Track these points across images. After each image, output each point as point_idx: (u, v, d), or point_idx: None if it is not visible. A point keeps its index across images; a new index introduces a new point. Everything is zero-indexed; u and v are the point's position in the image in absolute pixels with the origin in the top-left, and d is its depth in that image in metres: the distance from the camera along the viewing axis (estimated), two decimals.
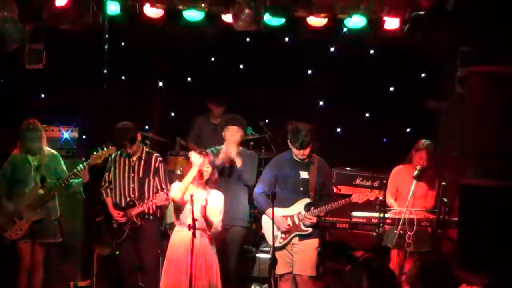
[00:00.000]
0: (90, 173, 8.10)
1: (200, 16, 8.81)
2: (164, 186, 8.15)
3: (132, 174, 8.17)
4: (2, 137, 8.79)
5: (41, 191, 8.05)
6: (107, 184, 8.21)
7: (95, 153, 8.02)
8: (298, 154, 7.78)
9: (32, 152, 8.07)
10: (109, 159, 8.19)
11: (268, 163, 8.16)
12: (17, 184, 8.11)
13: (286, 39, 10.34)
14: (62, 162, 8.26)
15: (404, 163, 8.58)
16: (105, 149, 8.02)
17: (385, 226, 8.25)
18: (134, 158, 8.17)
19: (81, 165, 8.00)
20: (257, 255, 8.94)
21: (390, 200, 8.42)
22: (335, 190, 9.52)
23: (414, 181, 8.19)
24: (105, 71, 9.15)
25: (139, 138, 8.14)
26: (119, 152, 8.21)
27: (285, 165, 7.89)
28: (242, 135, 8.14)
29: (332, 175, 9.61)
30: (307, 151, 7.77)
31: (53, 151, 8.28)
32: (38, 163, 8.09)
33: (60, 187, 8.08)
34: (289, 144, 7.81)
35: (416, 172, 8.24)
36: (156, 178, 8.18)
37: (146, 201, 8.07)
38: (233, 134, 8.12)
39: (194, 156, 7.51)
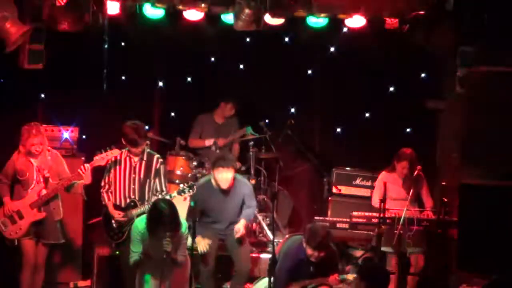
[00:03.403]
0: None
1: (200, 16, 8.81)
2: (163, 189, 8.16)
3: (133, 175, 8.17)
4: (2, 137, 8.79)
5: (43, 191, 8.05)
6: (107, 186, 8.20)
7: (98, 154, 8.01)
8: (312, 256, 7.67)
9: (34, 156, 8.07)
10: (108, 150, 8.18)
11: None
12: (20, 184, 8.10)
13: (286, 39, 10.33)
14: (63, 162, 8.25)
15: (388, 170, 8.63)
16: (108, 150, 8.03)
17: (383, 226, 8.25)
18: (136, 159, 8.17)
19: (83, 167, 7.99)
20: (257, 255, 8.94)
21: (377, 203, 8.39)
22: (335, 190, 9.57)
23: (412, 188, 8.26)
24: (105, 71, 9.14)
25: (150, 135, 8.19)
26: (119, 153, 8.20)
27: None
28: (232, 174, 8.15)
29: (332, 175, 9.64)
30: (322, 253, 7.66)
31: (54, 151, 8.28)
32: (40, 164, 8.08)
33: (62, 187, 8.08)
34: (304, 243, 7.69)
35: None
36: (157, 180, 8.18)
37: (146, 202, 8.07)
38: (221, 174, 8.09)
39: None
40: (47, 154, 8.12)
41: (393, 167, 8.57)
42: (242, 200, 8.23)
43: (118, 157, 8.16)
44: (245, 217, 8.19)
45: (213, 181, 8.18)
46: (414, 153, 8.51)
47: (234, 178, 8.17)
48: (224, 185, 8.08)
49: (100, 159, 8.02)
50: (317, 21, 8.94)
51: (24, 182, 8.07)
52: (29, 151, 8.02)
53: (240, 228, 8.05)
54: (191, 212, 7.92)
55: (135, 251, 7.57)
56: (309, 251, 7.61)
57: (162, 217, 7.34)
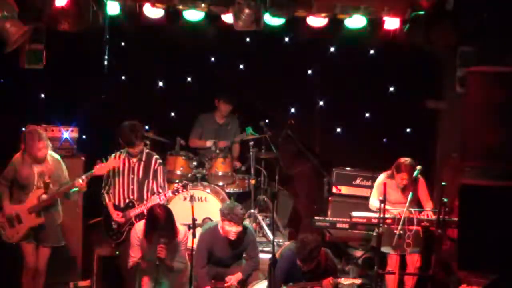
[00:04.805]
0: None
1: (200, 16, 8.81)
2: (161, 189, 8.16)
3: (132, 176, 8.18)
4: (2, 137, 8.79)
5: (44, 196, 7.99)
6: (107, 187, 8.20)
7: (99, 164, 7.98)
8: (302, 267, 7.74)
9: (37, 161, 8.02)
10: (109, 159, 8.17)
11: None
12: (20, 188, 8.05)
13: (286, 39, 10.33)
14: (64, 167, 8.19)
15: (387, 175, 8.56)
16: (109, 159, 8.03)
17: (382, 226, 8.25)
18: (135, 159, 8.18)
19: (83, 177, 7.95)
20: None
21: (376, 205, 8.36)
22: (335, 190, 9.57)
23: (411, 194, 8.25)
24: (105, 71, 9.14)
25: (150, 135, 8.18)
26: (118, 153, 8.21)
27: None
28: (241, 228, 8.03)
29: (332, 175, 9.64)
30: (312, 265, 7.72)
31: (56, 156, 8.19)
32: (42, 169, 8.03)
33: (61, 195, 8.04)
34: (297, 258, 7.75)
35: (415, 173, 8.29)
36: (155, 180, 8.18)
37: (145, 202, 8.08)
38: (232, 228, 7.95)
39: None
40: (49, 159, 8.07)
41: (392, 175, 8.51)
42: (245, 248, 8.21)
43: (117, 157, 8.17)
44: (244, 272, 8.15)
45: (219, 228, 8.07)
46: (413, 163, 8.43)
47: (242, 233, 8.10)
48: (232, 237, 7.99)
49: (100, 168, 8.00)
50: (317, 21, 8.92)
51: (25, 187, 8.01)
52: (35, 155, 7.95)
53: (232, 279, 8.05)
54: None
55: (134, 256, 7.59)
56: (298, 261, 7.68)
57: (157, 223, 7.34)
